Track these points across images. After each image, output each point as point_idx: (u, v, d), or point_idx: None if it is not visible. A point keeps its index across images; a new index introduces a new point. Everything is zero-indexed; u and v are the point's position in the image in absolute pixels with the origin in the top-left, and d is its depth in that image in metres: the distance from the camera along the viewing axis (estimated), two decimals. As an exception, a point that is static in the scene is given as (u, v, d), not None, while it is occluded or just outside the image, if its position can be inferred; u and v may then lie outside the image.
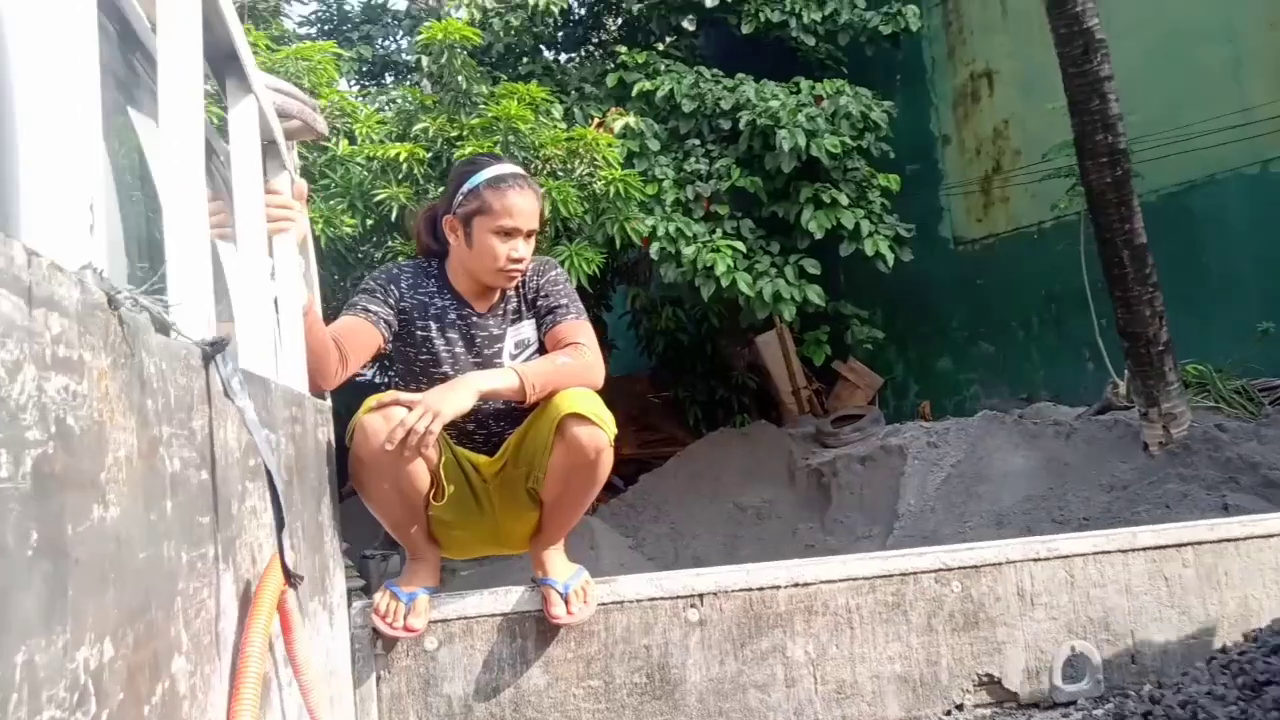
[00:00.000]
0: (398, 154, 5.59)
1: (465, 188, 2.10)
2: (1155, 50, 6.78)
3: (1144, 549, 2.37)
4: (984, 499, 6.47)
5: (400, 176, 5.65)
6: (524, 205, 2.07)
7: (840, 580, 2.26)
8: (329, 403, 2.01)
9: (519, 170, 2.16)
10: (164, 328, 0.71)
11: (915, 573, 2.28)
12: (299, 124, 1.81)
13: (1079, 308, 6.98)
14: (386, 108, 6.69)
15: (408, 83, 7.18)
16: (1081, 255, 6.67)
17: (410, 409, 1.80)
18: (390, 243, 5.85)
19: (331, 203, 5.61)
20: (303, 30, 8.81)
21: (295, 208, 1.77)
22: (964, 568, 2.31)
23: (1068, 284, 7.18)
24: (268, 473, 0.82)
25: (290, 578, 0.85)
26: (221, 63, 1.35)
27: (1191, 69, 6.63)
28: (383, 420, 1.81)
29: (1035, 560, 2.34)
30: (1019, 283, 8.08)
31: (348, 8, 9.34)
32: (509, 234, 2.06)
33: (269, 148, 1.72)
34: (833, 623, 2.24)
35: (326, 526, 1.70)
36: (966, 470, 6.76)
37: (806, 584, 2.24)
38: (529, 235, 2.10)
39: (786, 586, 2.23)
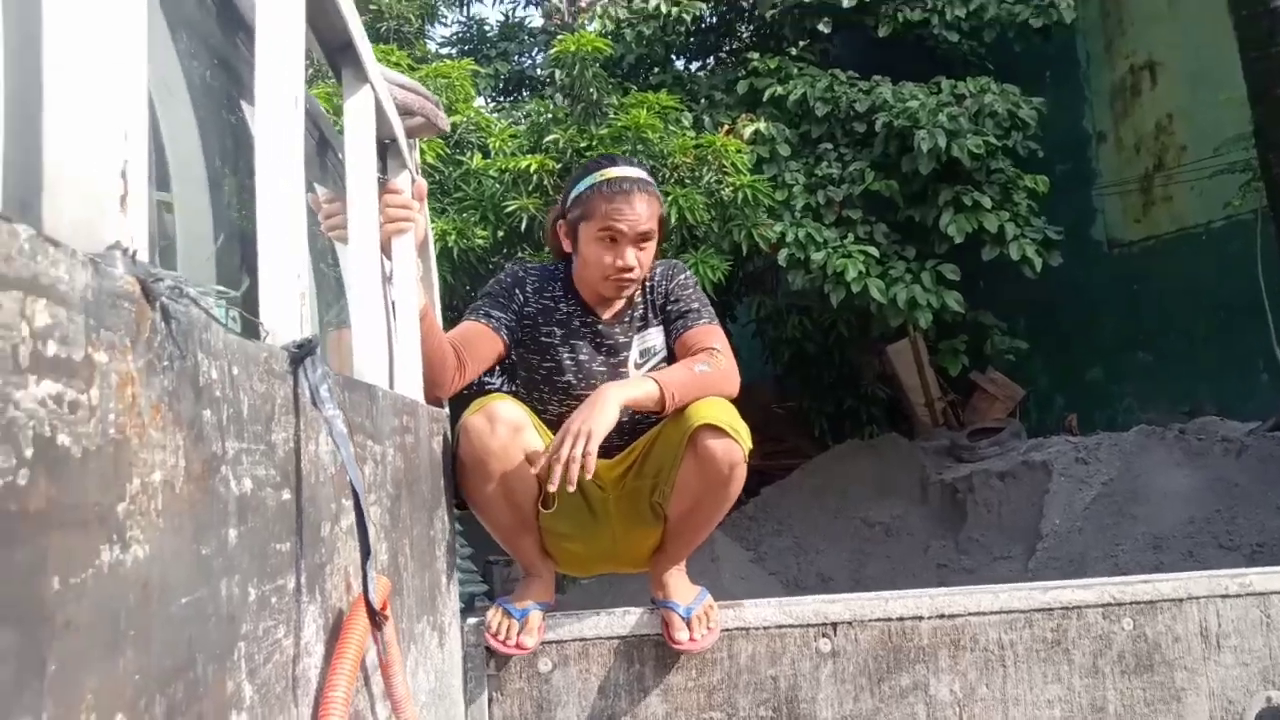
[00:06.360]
0: (528, 165, 5.63)
1: (574, 192, 1.98)
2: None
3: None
4: (1139, 521, 5.99)
5: (530, 188, 5.69)
6: (630, 210, 1.91)
7: (992, 613, 2.05)
8: (446, 410, 1.95)
9: (633, 172, 1.99)
10: (248, 327, 0.62)
11: (1080, 606, 2.05)
12: (421, 120, 1.76)
13: (1253, 314, 6.37)
14: (520, 121, 6.76)
15: (541, 97, 7.25)
16: (1258, 257, 6.10)
17: (556, 448, 1.68)
18: (520, 253, 5.89)
19: (464, 215, 5.70)
20: (444, 51, 9.02)
21: (415, 208, 1.70)
22: (1137, 603, 2.06)
23: (1241, 288, 6.57)
24: (354, 494, 0.73)
25: (375, 617, 0.76)
26: (337, 54, 1.30)
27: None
28: (486, 421, 1.73)
29: (1224, 597, 2.07)
30: (1182, 287, 7.44)
31: (487, 27, 9.53)
32: (614, 240, 1.92)
33: (390, 146, 1.67)
34: (983, 660, 2.03)
35: (439, 541, 1.63)
36: (1119, 489, 6.27)
37: (953, 615, 2.04)
38: (640, 241, 1.94)
39: (930, 618, 2.04)
